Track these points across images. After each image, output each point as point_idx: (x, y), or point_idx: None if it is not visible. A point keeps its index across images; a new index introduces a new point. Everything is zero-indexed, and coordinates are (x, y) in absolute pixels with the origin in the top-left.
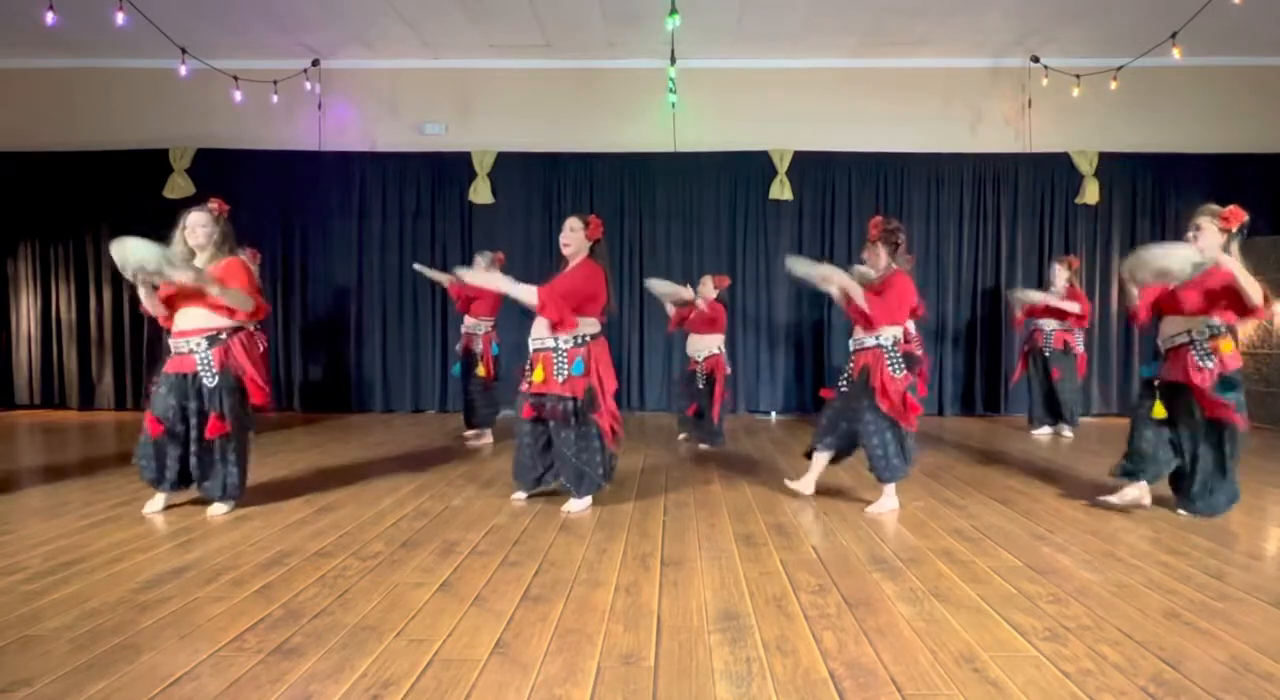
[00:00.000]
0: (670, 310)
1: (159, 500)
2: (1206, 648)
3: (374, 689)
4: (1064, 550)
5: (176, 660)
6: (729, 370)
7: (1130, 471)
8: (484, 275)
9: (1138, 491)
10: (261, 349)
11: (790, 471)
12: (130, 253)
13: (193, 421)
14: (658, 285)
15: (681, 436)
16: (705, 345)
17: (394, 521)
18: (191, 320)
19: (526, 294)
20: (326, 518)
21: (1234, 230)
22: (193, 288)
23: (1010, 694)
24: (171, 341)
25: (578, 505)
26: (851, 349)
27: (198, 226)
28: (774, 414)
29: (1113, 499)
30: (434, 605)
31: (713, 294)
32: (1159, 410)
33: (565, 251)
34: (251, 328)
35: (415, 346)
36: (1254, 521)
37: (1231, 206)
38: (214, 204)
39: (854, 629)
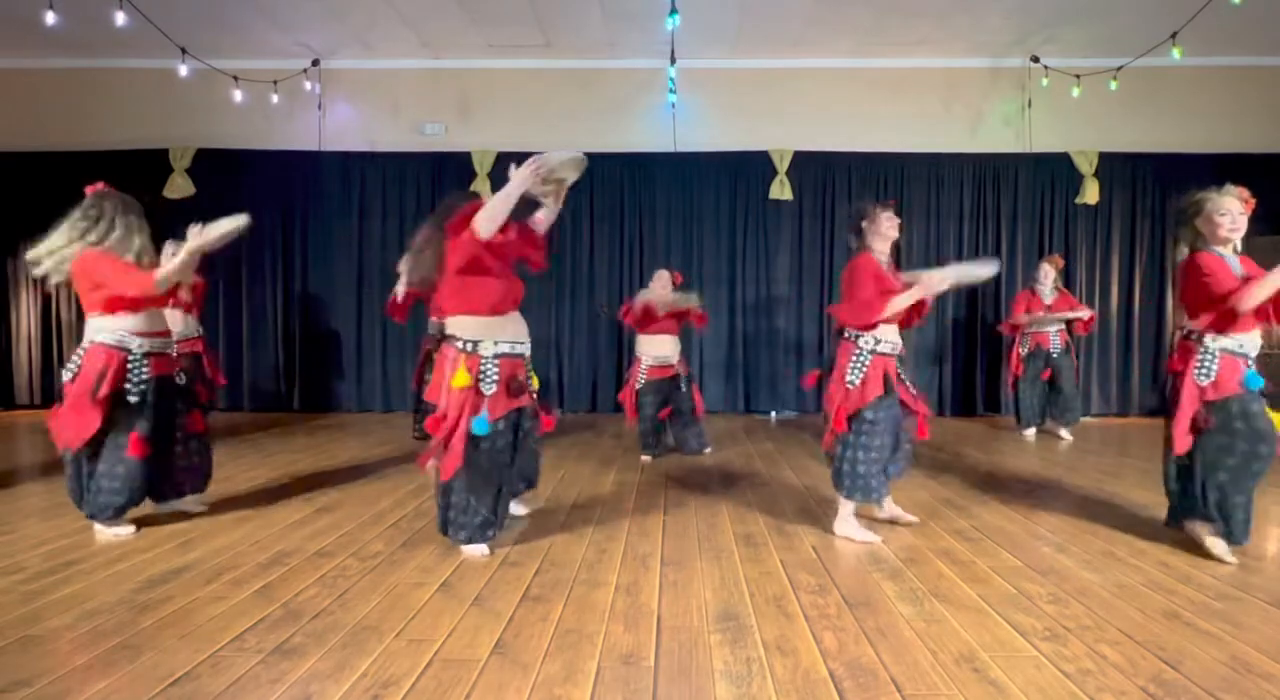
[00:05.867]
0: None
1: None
2: (1206, 648)
3: (374, 689)
4: (1064, 550)
5: (176, 660)
6: None
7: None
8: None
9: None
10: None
11: (790, 471)
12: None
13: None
14: (664, 294)
15: (646, 458)
16: (675, 345)
17: (394, 521)
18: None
19: None
20: (326, 518)
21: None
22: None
23: (1010, 694)
24: (146, 340)
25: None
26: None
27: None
28: (774, 414)
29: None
30: (434, 605)
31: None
32: None
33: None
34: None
35: (415, 346)
36: (1254, 522)
37: (1242, 189)
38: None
39: (854, 629)
